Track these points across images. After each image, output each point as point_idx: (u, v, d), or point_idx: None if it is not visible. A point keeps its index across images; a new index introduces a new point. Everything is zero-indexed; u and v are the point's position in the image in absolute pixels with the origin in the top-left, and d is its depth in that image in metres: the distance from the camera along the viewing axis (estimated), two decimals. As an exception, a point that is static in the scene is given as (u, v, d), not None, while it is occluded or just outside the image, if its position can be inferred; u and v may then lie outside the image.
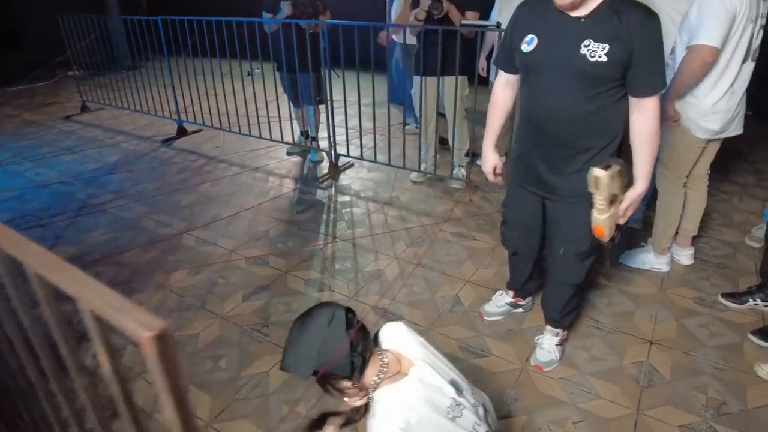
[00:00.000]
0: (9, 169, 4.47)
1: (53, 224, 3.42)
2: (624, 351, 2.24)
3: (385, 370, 1.22)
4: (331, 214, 3.54)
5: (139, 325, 0.49)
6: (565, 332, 2.24)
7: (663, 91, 1.75)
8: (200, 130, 5.21)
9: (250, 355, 2.25)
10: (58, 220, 3.47)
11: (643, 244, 2.90)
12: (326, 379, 1.20)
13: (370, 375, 1.21)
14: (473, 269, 2.85)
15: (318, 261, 2.97)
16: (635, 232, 3.09)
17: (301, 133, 4.50)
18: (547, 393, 2.04)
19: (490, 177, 2.11)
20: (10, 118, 6.03)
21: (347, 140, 4.06)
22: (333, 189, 3.93)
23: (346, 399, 1.27)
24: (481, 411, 1.33)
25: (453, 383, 1.28)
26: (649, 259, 2.80)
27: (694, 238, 2.85)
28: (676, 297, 2.59)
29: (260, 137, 4.51)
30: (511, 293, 2.44)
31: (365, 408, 1.26)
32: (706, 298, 2.57)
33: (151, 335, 0.48)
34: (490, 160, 2.08)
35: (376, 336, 1.34)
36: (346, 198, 3.77)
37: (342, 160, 4.23)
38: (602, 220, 1.71)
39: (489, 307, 2.47)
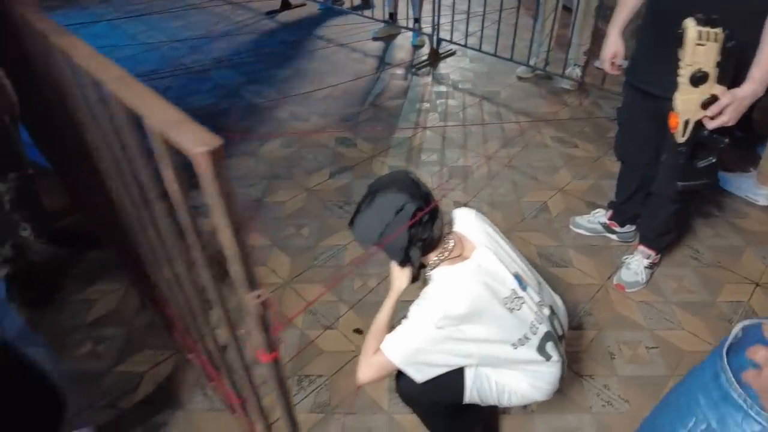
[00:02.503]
0: (125, 30, 4.68)
1: (160, 85, 3.60)
2: (720, 288, 2.04)
3: (446, 252, 1.20)
4: (425, 104, 3.39)
5: (194, 140, 0.47)
6: (658, 256, 2.07)
7: None
8: (304, 5, 5.08)
9: (330, 228, 2.33)
10: (164, 83, 3.64)
11: (751, 169, 2.51)
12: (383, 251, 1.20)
13: (431, 256, 1.20)
14: (568, 178, 2.66)
15: (404, 149, 2.91)
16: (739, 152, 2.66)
17: (390, 15, 4.23)
18: (624, 314, 1.94)
19: (606, 65, 1.83)
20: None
21: (452, 24, 3.76)
22: (430, 77, 3.74)
23: (396, 270, 1.27)
24: (545, 311, 1.28)
25: (516, 276, 1.24)
26: (746, 186, 2.44)
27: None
28: (800, 239, 2.27)
29: (362, 14, 4.31)
30: (609, 213, 2.25)
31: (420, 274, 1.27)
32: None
33: (205, 150, 0.46)
34: (612, 44, 1.80)
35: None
36: (443, 88, 3.58)
37: (444, 47, 3.97)
38: (678, 102, 1.41)
39: (580, 219, 2.32)
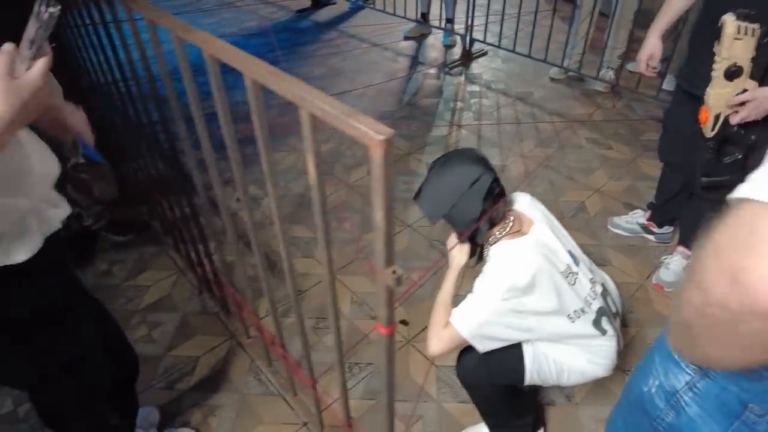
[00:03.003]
0: (158, 26, 4.76)
1: (196, 83, 3.67)
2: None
3: (507, 228, 1.25)
4: (458, 103, 3.43)
5: (369, 129, 0.51)
6: None
7: None
8: (334, 3, 5.14)
9: (371, 222, 2.37)
10: (200, 81, 3.70)
11: None
12: (449, 223, 1.25)
13: (494, 230, 1.25)
14: (605, 179, 2.69)
15: (440, 147, 2.95)
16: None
17: (423, 15, 4.27)
18: (664, 312, 1.97)
19: (642, 66, 1.86)
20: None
21: (486, 25, 3.79)
22: (462, 76, 3.78)
23: (455, 247, 1.32)
24: (598, 288, 1.33)
25: (570, 253, 1.30)
26: None
27: None
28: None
29: (394, 14, 4.36)
30: (648, 214, 2.27)
31: (480, 253, 1.32)
32: None
33: (382, 139, 0.50)
34: (650, 46, 1.83)
35: None
36: (476, 88, 3.62)
37: (476, 47, 4.01)
38: (710, 96, 1.43)
39: (618, 219, 2.35)
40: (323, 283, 0.86)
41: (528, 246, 1.22)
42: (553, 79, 3.66)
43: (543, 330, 1.24)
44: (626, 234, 2.33)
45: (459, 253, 1.32)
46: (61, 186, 2.05)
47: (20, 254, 0.84)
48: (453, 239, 1.33)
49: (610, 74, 3.44)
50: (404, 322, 1.91)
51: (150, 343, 1.84)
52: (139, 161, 1.99)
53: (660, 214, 2.22)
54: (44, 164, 0.90)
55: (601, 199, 2.55)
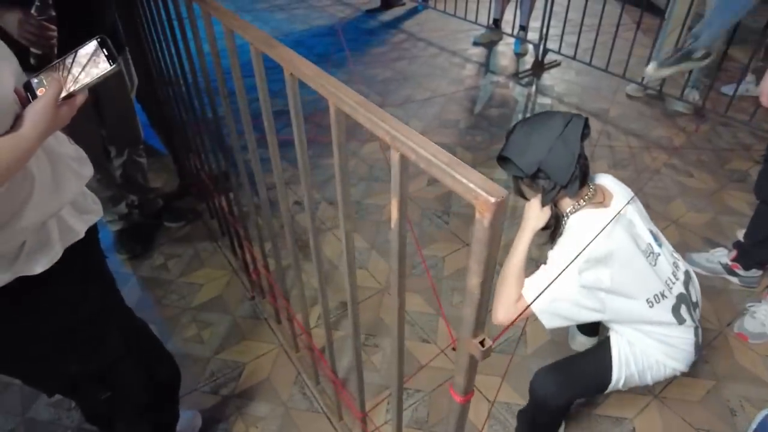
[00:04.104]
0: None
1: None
2: None
3: (590, 196, 1.20)
4: (527, 115, 3.28)
5: (479, 186, 0.43)
6: None
7: None
8: (403, 4, 5.08)
9: (429, 236, 2.29)
10: (271, 76, 3.73)
11: None
12: (535, 180, 1.17)
13: (578, 197, 1.19)
14: (683, 210, 2.48)
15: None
16: None
17: (495, 21, 4.12)
18: (746, 366, 1.78)
19: (765, 99, 1.55)
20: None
21: (562, 35, 3.61)
22: (533, 87, 3.62)
23: (534, 209, 1.24)
24: (681, 273, 1.27)
25: (652, 233, 1.25)
26: None
27: None
28: None
29: (464, 18, 4.24)
30: (733, 254, 2.05)
31: (555, 222, 1.26)
32: None
33: (494, 201, 0.42)
34: None
35: None
36: (546, 100, 3.45)
37: (549, 58, 3.83)
38: None
39: (697, 256, 2.16)
40: (388, 321, 0.78)
41: (608, 218, 1.15)
42: (630, 96, 3.44)
43: (617, 311, 1.19)
44: (705, 273, 2.13)
45: (536, 216, 1.24)
46: (122, 173, 2.11)
47: (38, 265, 0.82)
48: (535, 202, 1.24)
49: (694, 94, 3.18)
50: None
51: (199, 343, 1.84)
52: (201, 156, 2.00)
53: (749, 255, 2.01)
54: (59, 175, 0.85)
55: (679, 231, 2.35)
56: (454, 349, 1.79)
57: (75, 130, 1.29)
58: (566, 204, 1.22)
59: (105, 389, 1.11)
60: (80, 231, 0.91)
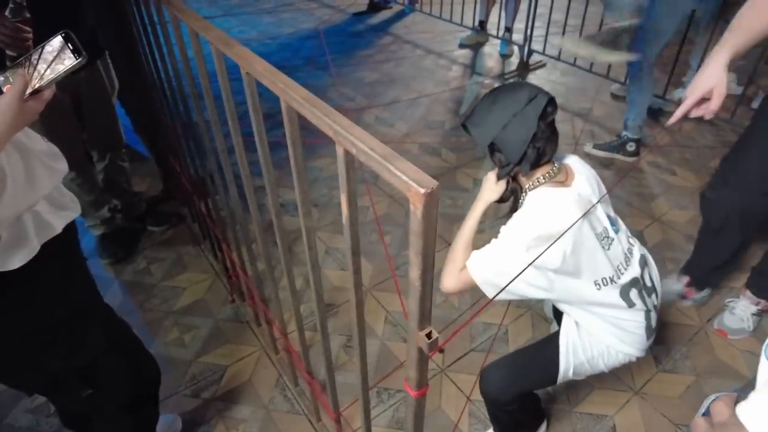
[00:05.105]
0: (220, 25, 4.86)
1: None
2: None
3: (551, 174, 1.18)
4: (512, 116, 3.30)
5: (411, 179, 0.44)
6: None
7: None
8: (390, 7, 5.10)
9: (412, 238, 2.30)
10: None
11: None
12: (493, 153, 1.18)
13: (537, 174, 1.18)
14: (666, 208, 2.50)
15: (490, 163, 2.83)
16: None
17: (481, 23, 4.15)
18: (726, 362, 1.79)
19: (687, 104, 1.18)
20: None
21: (546, 36, 3.64)
22: (518, 89, 3.64)
23: (490, 182, 1.25)
24: (635, 259, 1.27)
25: (609, 217, 1.24)
26: None
27: None
28: None
29: (450, 20, 4.26)
30: (685, 279, 1.96)
31: (512, 197, 1.26)
32: None
33: (424, 192, 0.43)
34: (714, 76, 1.15)
35: None
36: (531, 101, 3.47)
37: (534, 59, 3.85)
38: None
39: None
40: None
41: (568, 198, 1.15)
42: (615, 95, 3.46)
43: (564, 290, 1.18)
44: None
45: (490, 189, 1.25)
46: (104, 178, 2.10)
47: (15, 259, 0.82)
48: (492, 175, 1.25)
49: (683, 94, 3.20)
50: (441, 350, 1.82)
51: (181, 347, 1.83)
52: (181, 160, 1.99)
53: (702, 282, 1.95)
54: (32, 169, 0.86)
55: (662, 229, 2.37)
56: (440, 350, 1.80)
57: (56, 135, 1.29)
58: (525, 180, 1.20)
59: (86, 386, 1.11)
60: (57, 226, 0.92)
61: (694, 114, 1.20)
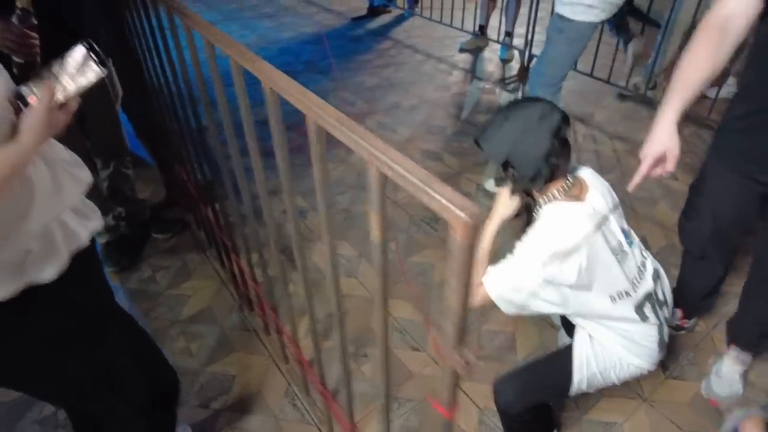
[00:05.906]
0: (220, 29, 4.85)
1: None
2: None
3: (565, 188, 1.18)
4: (513, 121, 3.30)
5: (452, 203, 0.44)
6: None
7: None
8: (390, 11, 5.10)
9: (418, 243, 2.30)
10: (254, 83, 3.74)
11: None
12: (505, 169, 1.18)
13: (551, 188, 1.18)
14: (667, 212, 2.51)
15: (492, 168, 2.84)
16: None
17: (481, 27, 4.16)
18: (733, 367, 1.79)
19: (642, 171, 1.22)
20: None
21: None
22: (520, 93, 3.65)
23: (504, 197, 1.26)
24: (649, 273, 1.27)
25: (624, 232, 1.24)
26: None
27: None
28: None
29: (450, 25, 4.27)
30: (679, 313, 1.85)
31: (526, 212, 1.27)
32: None
33: (466, 220, 0.42)
34: (664, 139, 1.20)
35: None
36: (532, 106, 3.48)
37: (534, 63, 3.86)
38: None
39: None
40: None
41: (583, 212, 1.15)
42: (622, 96, 3.48)
43: (579, 305, 1.18)
44: None
45: (505, 204, 1.26)
46: (108, 185, 2.09)
47: (47, 272, 0.83)
48: (506, 190, 1.26)
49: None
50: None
51: (188, 356, 1.82)
52: (187, 166, 1.99)
53: (694, 310, 1.88)
54: (58, 180, 0.87)
55: (664, 234, 2.38)
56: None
57: (59, 142, 1.28)
58: (539, 194, 1.20)
59: (104, 388, 1.11)
60: (84, 237, 0.93)
61: (653, 175, 1.24)
